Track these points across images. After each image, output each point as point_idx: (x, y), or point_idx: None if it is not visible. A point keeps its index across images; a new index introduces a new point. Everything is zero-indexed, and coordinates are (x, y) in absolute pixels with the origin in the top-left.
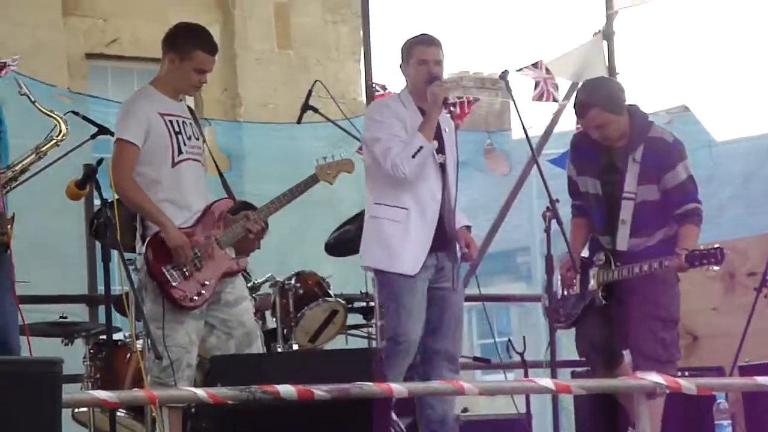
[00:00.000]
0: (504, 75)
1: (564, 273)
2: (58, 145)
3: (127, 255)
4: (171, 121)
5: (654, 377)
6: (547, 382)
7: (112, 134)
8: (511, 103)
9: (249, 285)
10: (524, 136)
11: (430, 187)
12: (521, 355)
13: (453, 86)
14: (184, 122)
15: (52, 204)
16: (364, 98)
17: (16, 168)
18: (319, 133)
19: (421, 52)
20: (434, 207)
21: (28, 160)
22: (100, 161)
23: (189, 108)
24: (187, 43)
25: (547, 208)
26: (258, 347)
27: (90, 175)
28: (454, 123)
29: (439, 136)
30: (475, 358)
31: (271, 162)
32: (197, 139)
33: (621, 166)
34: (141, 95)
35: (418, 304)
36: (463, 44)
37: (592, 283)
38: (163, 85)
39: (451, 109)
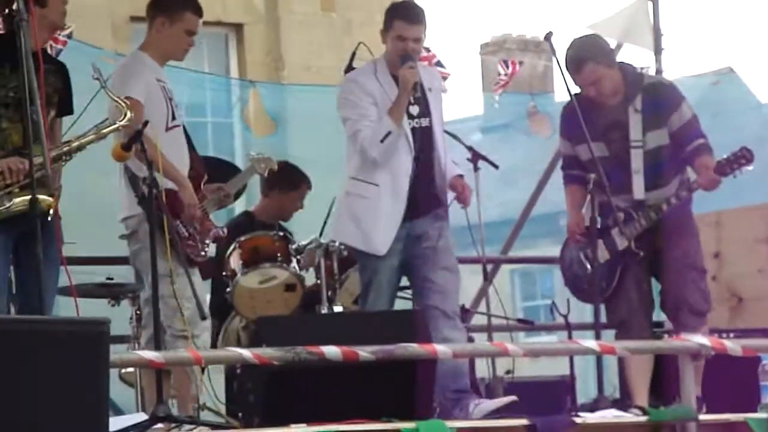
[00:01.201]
0: (548, 36)
1: (572, 228)
2: (119, 130)
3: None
4: (164, 87)
5: (699, 339)
6: (591, 343)
7: None
8: (555, 65)
9: (293, 247)
10: (568, 98)
11: (401, 161)
12: (565, 317)
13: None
14: (171, 90)
15: (99, 165)
16: None
17: (74, 145)
18: None
19: (401, 28)
20: (406, 180)
21: (86, 139)
22: (145, 123)
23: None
24: (177, 5)
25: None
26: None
27: (136, 137)
28: (440, 81)
29: (423, 96)
30: (519, 320)
31: (316, 125)
32: (179, 108)
33: (623, 119)
34: (136, 60)
35: (388, 281)
36: (507, 6)
37: (621, 242)
38: (153, 50)
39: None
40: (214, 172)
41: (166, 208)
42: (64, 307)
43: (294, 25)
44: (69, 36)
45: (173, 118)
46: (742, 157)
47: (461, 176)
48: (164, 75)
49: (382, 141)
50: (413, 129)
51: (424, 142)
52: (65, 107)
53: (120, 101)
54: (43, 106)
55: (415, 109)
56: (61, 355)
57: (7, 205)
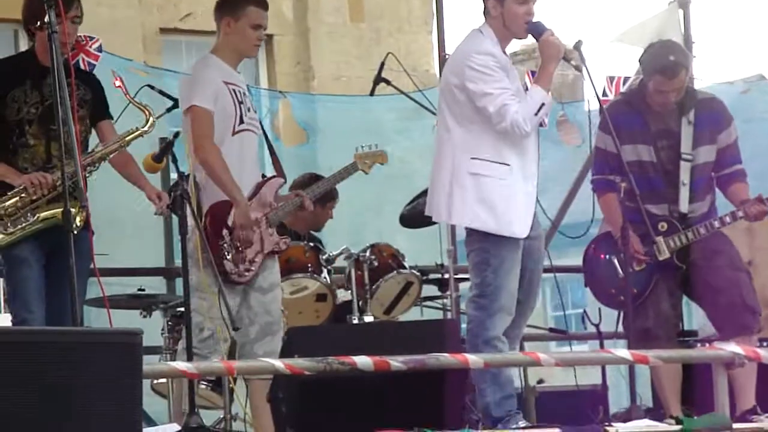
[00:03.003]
0: (578, 45)
1: (634, 249)
2: (142, 137)
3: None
4: (234, 90)
5: (732, 347)
6: (623, 353)
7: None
8: (585, 73)
9: (324, 257)
10: (598, 106)
11: (532, 144)
12: (596, 326)
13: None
14: (244, 93)
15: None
16: (437, 70)
17: (97, 155)
18: (392, 105)
19: None
20: (534, 164)
21: (110, 148)
22: (176, 134)
23: (244, 82)
24: (239, 2)
25: (622, 179)
26: (278, 340)
27: (167, 148)
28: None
29: None
30: (551, 330)
31: (346, 134)
32: (255, 111)
33: (675, 128)
34: (205, 64)
35: (518, 269)
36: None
37: (663, 252)
38: (224, 52)
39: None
40: None
41: (195, 216)
42: (97, 319)
43: (323, 35)
44: (99, 49)
45: (241, 121)
46: None
47: None
48: (237, 77)
49: (536, 114)
50: None
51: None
52: (99, 114)
53: (143, 108)
54: (76, 117)
55: None
56: (94, 365)
57: (31, 220)
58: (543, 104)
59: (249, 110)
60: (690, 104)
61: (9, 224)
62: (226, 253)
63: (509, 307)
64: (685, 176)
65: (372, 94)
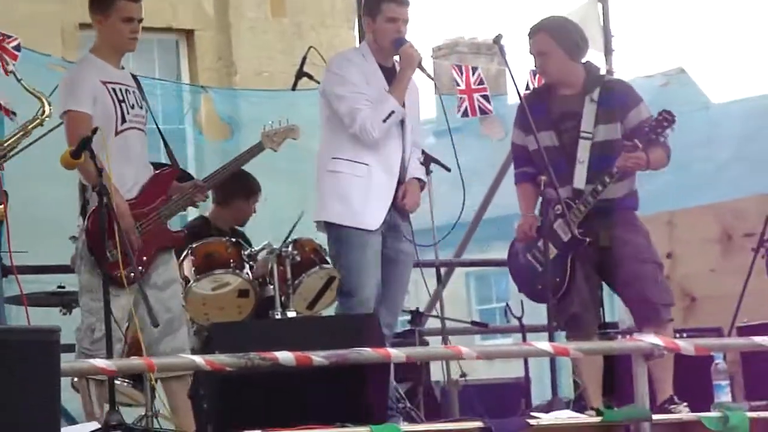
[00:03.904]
0: (498, 39)
1: (524, 230)
2: (42, 124)
3: None
4: (114, 89)
5: (651, 339)
6: (545, 345)
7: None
8: (506, 68)
9: (246, 253)
10: (519, 100)
11: (394, 143)
12: (519, 319)
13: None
14: (126, 90)
15: (49, 173)
16: None
17: (4, 145)
18: (314, 99)
19: (391, 10)
20: (397, 162)
21: (14, 138)
22: (95, 130)
23: (133, 76)
24: None
25: (537, 169)
26: (183, 334)
27: (85, 144)
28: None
29: None
30: (474, 323)
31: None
32: (140, 107)
33: (578, 110)
34: (83, 65)
35: (375, 259)
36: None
37: (563, 233)
38: (101, 50)
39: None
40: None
41: (114, 213)
42: (16, 317)
43: (245, 30)
44: (17, 48)
45: (123, 120)
46: (664, 120)
47: (420, 181)
48: (118, 74)
49: (384, 120)
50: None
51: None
52: None
53: (37, 94)
54: None
55: None
56: (12, 364)
57: None
58: (393, 112)
59: (133, 107)
60: (594, 84)
61: None
62: (110, 255)
63: (368, 297)
64: (582, 154)
65: (294, 88)
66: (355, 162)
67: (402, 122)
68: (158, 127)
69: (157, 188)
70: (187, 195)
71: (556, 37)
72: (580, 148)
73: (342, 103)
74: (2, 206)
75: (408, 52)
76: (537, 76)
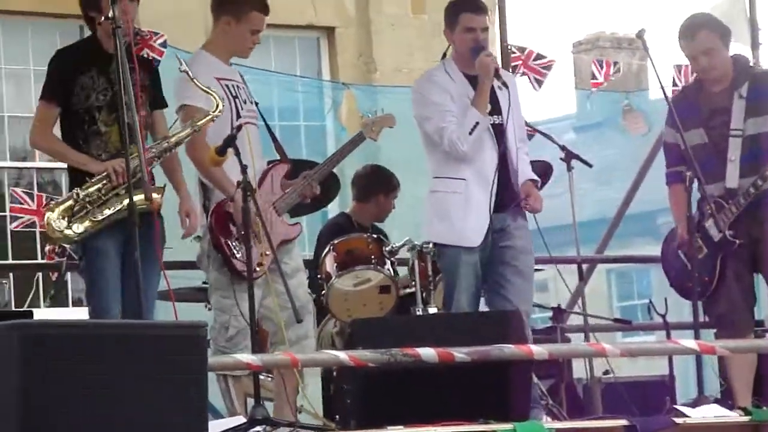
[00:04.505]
0: (641, 34)
1: (684, 237)
2: (213, 121)
3: None
4: (227, 85)
5: None
6: (690, 342)
7: (257, 104)
8: (649, 62)
9: (387, 249)
10: (662, 95)
11: (487, 153)
12: (663, 316)
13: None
14: (237, 86)
15: (195, 171)
16: (499, 61)
17: (171, 141)
18: None
19: (468, 19)
20: (492, 172)
21: (184, 133)
22: (239, 128)
23: (239, 73)
24: (244, 4)
25: (687, 169)
26: (309, 321)
27: (229, 141)
28: (512, 79)
29: (493, 95)
30: (616, 320)
31: (408, 126)
32: (251, 103)
33: (727, 105)
34: (196, 61)
35: (476, 274)
36: (599, 4)
37: (715, 233)
38: (217, 48)
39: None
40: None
41: (258, 208)
42: (163, 311)
43: (385, 27)
44: (164, 45)
45: (238, 116)
46: None
47: (535, 182)
48: (229, 71)
49: (470, 133)
50: (491, 125)
51: (498, 138)
52: (156, 101)
53: (211, 92)
54: (140, 104)
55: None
56: (159, 358)
57: (118, 207)
58: (477, 123)
59: (246, 102)
60: (743, 78)
61: (95, 212)
62: (235, 251)
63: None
64: (734, 152)
65: None
66: (453, 178)
67: (497, 130)
68: (265, 122)
69: (269, 182)
70: (299, 188)
71: (719, 33)
72: (731, 147)
73: (429, 123)
74: (159, 197)
75: (484, 62)
76: (683, 72)
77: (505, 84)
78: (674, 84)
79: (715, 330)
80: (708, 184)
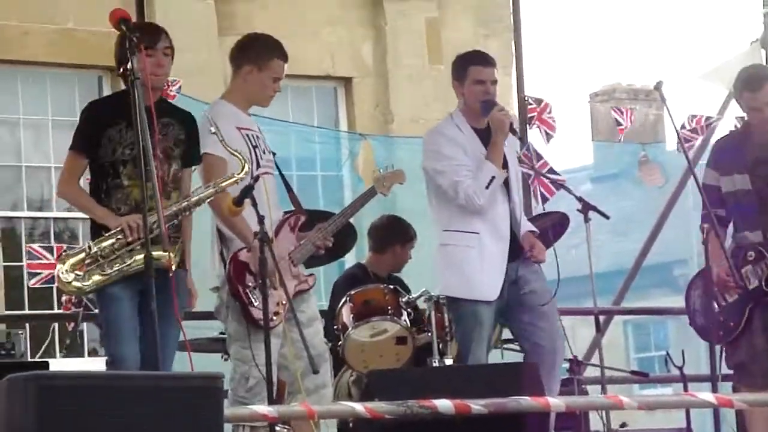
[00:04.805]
0: (659, 86)
1: (723, 278)
2: (237, 183)
3: None
4: (248, 135)
5: None
6: (708, 396)
7: (274, 154)
8: (666, 113)
9: (404, 300)
10: (679, 147)
11: (500, 207)
12: (680, 369)
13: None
14: (257, 137)
15: (212, 220)
16: (516, 112)
17: (192, 200)
18: None
19: (477, 72)
20: (506, 225)
21: (206, 194)
22: (256, 178)
23: (256, 124)
24: (265, 52)
25: (726, 212)
26: (326, 370)
27: (247, 191)
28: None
29: None
30: (633, 372)
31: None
32: (269, 152)
33: None
34: (218, 110)
35: (490, 326)
36: (616, 55)
37: (753, 281)
38: (236, 97)
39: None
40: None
41: (275, 260)
42: (180, 362)
43: (402, 78)
44: (178, 90)
45: (258, 166)
46: None
47: (534, 233)
48: (249, 121)
49: (487, 187)
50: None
51: (508, 193)
52: (189, 158)
53: (238, 156)
54: (158, 163)
55: None
56: (176, 409)
57: (128, 262)
58: (493, 177)
59: (264, 153)
60: None
61: (106, 266)
62: (253, 299)
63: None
64: None
65: None
66: (466, 232)
67: (506, 184)
68: (280, 172)
69: (287, 232)
70: (312, 240)
71: None
72: None
73: (443, 177)
74: (174, 256)
75: (498, 118)
76: (696, 120)
77: (521, 139)
78: (688, 133)
79: (732, 382)
80: (748, 230)
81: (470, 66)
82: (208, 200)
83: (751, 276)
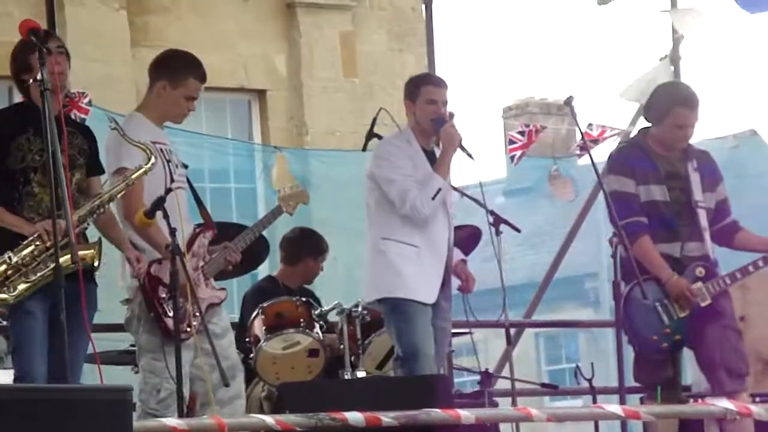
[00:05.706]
0: (569, 101)
1: (686, 293)
2: (146, 174)
3: None
4: (161, 149)
5: (724, 403)
6: (615, 408)
7: (185, 166)
8: (577, 128)
9: (317, 312)
10: (590, 161)
11: (440, 224)
12: (589, 381)
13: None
14: (170, 150)
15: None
16: None
17: (104, 197)
18: None
19: (430, 92)
20: (444, 243)
21: (117, 188)
22: (168, 191)
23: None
24: (182, 70)
25: (614, 233)
26: (240, 381)
27: (158, 204)
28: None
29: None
30: (543, 385)
31: (339, 189)
32: (182, 166)
33: (682, 173)
34: (131, 123)
35: (430, 327)
36: (528, 70)
37: (705, 297)
38: (150, 112)
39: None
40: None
41: (187, 274)
42: (90, 374)
43: (316, 90)
44: (89, 103)
45: (172, 180)
46: None
47: (464, 261)
48: (162, 135)
49: (433, 198)
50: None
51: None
52: (94, 167)
53: (142, 146)
54: (67, 170)
55: None
56: (84, 422)
57: (50, 267)
58: (440, 189)
59: (177, 167)
60: (692, 153)
61: (29, 273)
62: (168, 310)
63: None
64: (705, 222)
65: (365, 149)
66: (405, 243)
67: (444, 203)
68: (191, 186)
69: (199, 246)
70: (220, 257)
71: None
72: (701, 217)
73: (392, 186)
74: (94, 252)
75: (449, 132)
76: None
77: (470, 156)
78: (594, 142)
79: (643, 395)
80: (665, 242)
81: (423, 86)
82: (120, 195)
83: (705, 292)
